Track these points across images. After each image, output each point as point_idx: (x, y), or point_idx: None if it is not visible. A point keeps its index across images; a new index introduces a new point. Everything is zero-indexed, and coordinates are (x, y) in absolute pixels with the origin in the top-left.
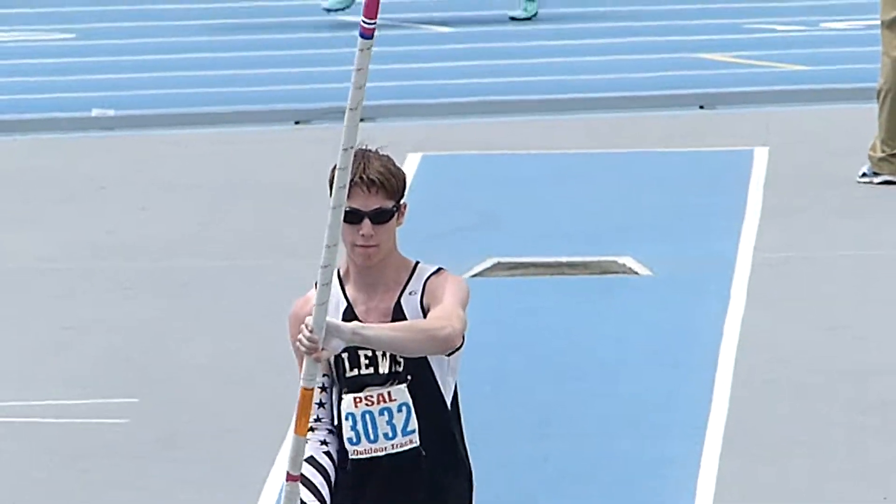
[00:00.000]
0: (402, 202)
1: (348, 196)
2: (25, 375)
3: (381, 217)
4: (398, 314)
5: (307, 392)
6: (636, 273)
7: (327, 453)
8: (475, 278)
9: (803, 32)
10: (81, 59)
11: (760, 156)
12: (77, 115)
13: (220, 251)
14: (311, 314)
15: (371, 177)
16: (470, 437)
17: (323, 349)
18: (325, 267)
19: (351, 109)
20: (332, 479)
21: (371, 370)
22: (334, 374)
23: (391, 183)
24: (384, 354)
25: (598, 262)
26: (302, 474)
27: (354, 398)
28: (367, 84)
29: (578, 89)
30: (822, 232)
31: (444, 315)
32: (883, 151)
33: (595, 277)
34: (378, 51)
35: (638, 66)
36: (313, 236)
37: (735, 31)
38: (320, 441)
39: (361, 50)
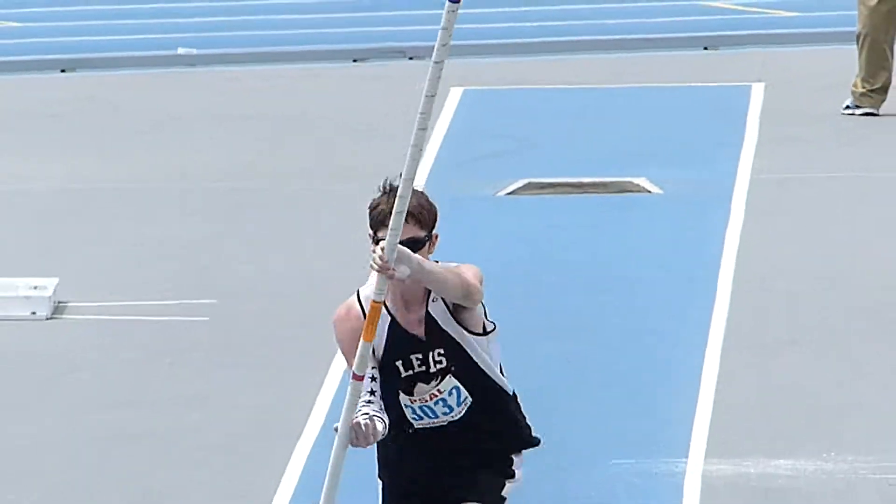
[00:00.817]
0: (433, 233)
1: (384, 226)
2: (114, 281)
3: (415, 246)
4: (430, 321)
5: (376, 304)
6: (649, 192)
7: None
8: (510, 196)
9: None
10: (169, 4)
11: (757, 91)
12: (164, 53)
13: (283, 175)
14: (355, 319)
15: (407, 210)
16: (501, 337)
17: (393, 269)
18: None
19: (435, 63)
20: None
21: (423, 368)
22: (392, 385)
23: (424, 216)
24: (426, 359)
25: (617, 182)
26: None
27: (410, 399)
28: (416, 27)
29: (600, 32)
30: (814, 157)
31: (470, 279)
32: (864, 87)
33: (614, 196)
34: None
35: (651, 12)
36: (364, 163)
37: None
38: (371, 414)
39: (450, 12)
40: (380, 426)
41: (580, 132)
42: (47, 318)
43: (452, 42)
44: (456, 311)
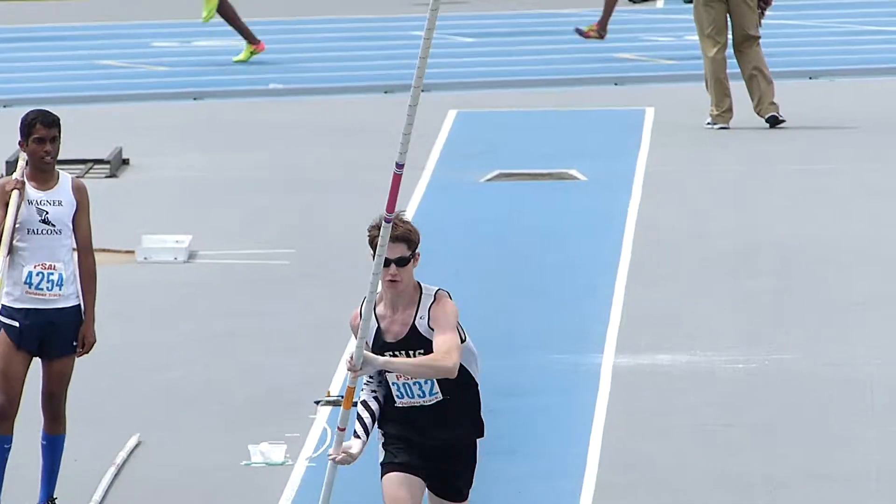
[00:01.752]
0: (416, 252)
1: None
2: (230, 237)
3: (403, 262)
4: (414, 332)
5: (351, 388)
6: (578, 179)
7: (376, 398)
8: (488, 182)
9: (673, 41)
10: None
11: (650, 113)
12: (257, 87)
13: (341, 167)
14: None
15: (397, 234)
16: (474, 287)
17: (361, 369)
18: (370, 300)
19: (414, 87)
20: (377, 415)
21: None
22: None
23: (410, 238)
24: (409, 352)
25: (558, 172)
26: (357, 412)
27: (396, 376)
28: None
29: (548, 73)
30: (688, 155)
31: (446, 349)
32: (716, 111)
33: (555, 181)
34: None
35: (582, 59)
36: (382, 161)
37: (637, 41)
38: (372, 390)
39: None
40: (355, 449)
41: (534, 140)
42: (184, 262)
43: (451, 80)
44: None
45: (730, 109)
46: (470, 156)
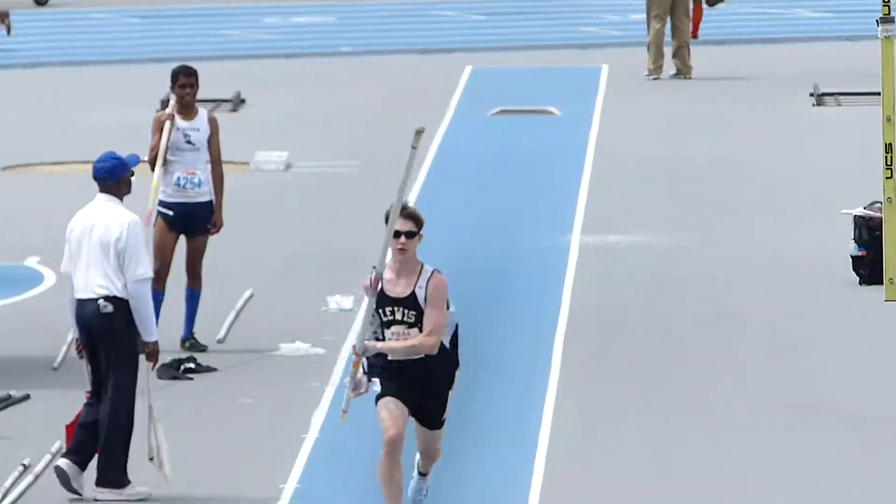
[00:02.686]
0: (421, 232)
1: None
2: (324, 152)
3: (411, 235)
4: (412, 297)
5: (357, 362)
6: (554, 114)
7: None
8: (493, 116)
9: (621, 19)
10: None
11: (605, 69)
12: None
13: (394, 109)
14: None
15: (409, 212)
16: (483, 183)
17: (363, 353)
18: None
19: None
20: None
21: (397, 317)
22: (381, 321)
23: (418, 217)
24: (402, 314)
25: (540, 109)
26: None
27: (392, 332)
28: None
29: (535, 41)
30: (631, 96)
31: (430, 328)
32: (651, 66)
33: (538, 116)
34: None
35: (558, 31)
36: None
37: (598, 19)
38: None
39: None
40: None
41: (525, 87)
42: (283, 171)
43: (468, 45)
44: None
45: (661, 67)
46: (482, 99)
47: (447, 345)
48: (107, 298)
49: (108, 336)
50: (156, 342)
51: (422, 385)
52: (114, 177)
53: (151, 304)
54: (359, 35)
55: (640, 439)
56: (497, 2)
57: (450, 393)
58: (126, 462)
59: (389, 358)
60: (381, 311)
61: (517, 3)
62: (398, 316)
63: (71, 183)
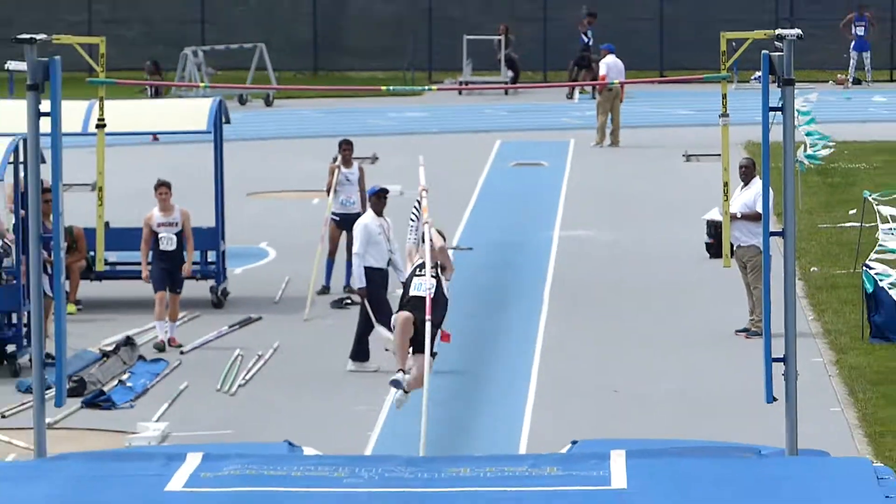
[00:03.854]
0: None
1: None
2: (407, 182)
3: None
4: (436, 267)
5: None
6: (545, 165)
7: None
8: (513, 167)
9: (583, 115)
10: None
11: (572, 142)
12: None
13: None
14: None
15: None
16: (493, 212)
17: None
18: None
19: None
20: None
21: (423, 272)
22: (412, 274)
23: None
24: (429, 272)
25: (536, 162)
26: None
27: (419, 279)
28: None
29: (536, 128)
30: (588, 156)
31: (451, 267)
32: (597, 139)
33: (536, 167)
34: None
35: (547, 127)
36: None
37: (569, 116)
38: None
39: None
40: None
41: (529, 152)
42: (399, 195)
43: (495, 128)
44: (443, 270)
45: (602, 141)
46: (504, 156)
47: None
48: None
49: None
50: (361, 288)
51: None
52: (372, 194)
53: (361, 268)
54: (441, 122)
55: (598, 354)
56: (514, 105)
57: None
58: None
59: (411, 293)
60: (414, 267)
61: (526, 105)
62: (420, 270)
63: (285, 204)
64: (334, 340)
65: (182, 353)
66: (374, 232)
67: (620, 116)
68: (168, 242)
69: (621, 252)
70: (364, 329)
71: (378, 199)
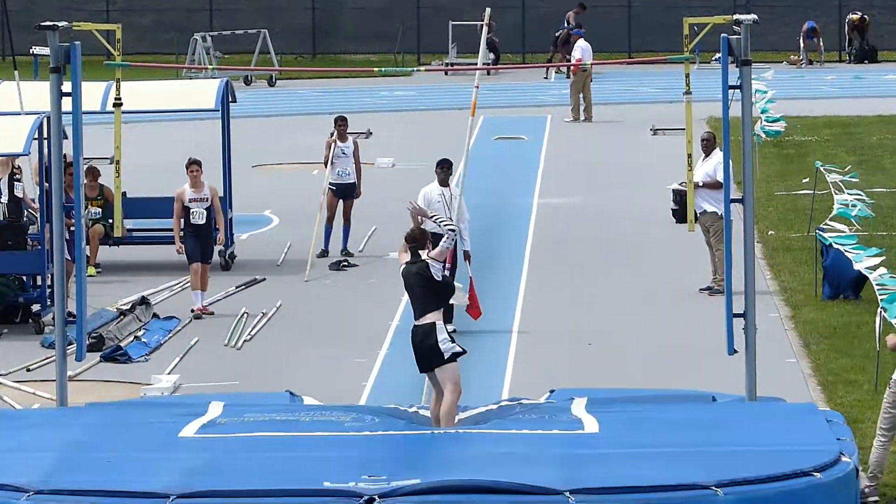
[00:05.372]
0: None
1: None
2: (401, 155)
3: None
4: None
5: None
6: (524, 139)
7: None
8: (495, 140)
9: (559, 93)
10: None
11: (549, 118)
12: None
13: None
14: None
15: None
16: (479, 177)
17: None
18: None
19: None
20: None
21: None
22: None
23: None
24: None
25: (517, 136)
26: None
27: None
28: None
29: (518, 104)
30: (564, 129)
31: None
32: (571, 115)
33: (517, 140)
34: None
35: (526, 105)
36: None
37: (546, 95)
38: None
39: None
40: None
41: (509, 127)
42: (391, 167)
43: (484, 106)
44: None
45: (578, 117)
46: (488, 131)
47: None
48: None
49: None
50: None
51: None
52: (437, 166)
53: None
54: (430, 99)
55: (574, 310)
56: (495, 85)
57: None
58: None
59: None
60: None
61: (507, 85)
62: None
63: (287, 174)
64: (332, 299)
65: (210, 315)
66: (433, 199)
67: (592, 94)
68: (199, 217)
69: (595, 217)
70: None
71: (441, 169)
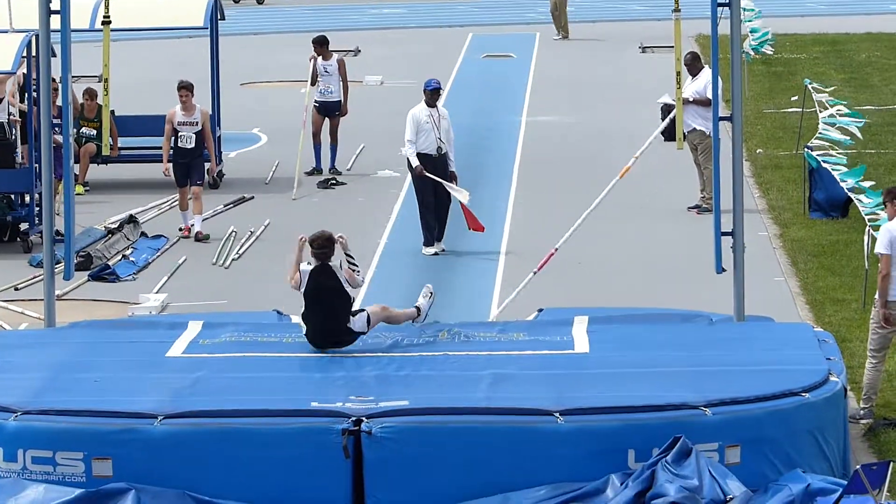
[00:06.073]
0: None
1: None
2: (389, 72)
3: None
4: None
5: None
6: (513, 56)
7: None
8: (484, 58)
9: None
10: None
11: (537, 36)
12: None
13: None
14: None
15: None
16: (464, 95)
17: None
18: None
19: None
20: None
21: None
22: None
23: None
24: None
25: (505, 54)
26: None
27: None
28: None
29: (513, 22)
30: (552, 47)
31: None
32: (559, 34)
33: (505, 58)
34: None
35: (526, 21)
36: None
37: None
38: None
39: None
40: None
41: (498, 44)
42: (379, 85)
43: (470, 23)
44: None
45: (565, 34)
46: (476, 49)
47: None
48: None
49: None
50: (417, 166)
51: None
52: (427, 89)
53: (413, 153)
54: (418, 17)
55: (563, 228)
56: (484, 1)
57: None
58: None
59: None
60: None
61: (495, 1)
62: None
63: (275, 92)
64: (320, 217)
65: (205, 240)
66: (421, 121)
67: (567, 10)
68: (188, 140)
69: (583, 134)
70: (421, 212)
71: (430, 94)
